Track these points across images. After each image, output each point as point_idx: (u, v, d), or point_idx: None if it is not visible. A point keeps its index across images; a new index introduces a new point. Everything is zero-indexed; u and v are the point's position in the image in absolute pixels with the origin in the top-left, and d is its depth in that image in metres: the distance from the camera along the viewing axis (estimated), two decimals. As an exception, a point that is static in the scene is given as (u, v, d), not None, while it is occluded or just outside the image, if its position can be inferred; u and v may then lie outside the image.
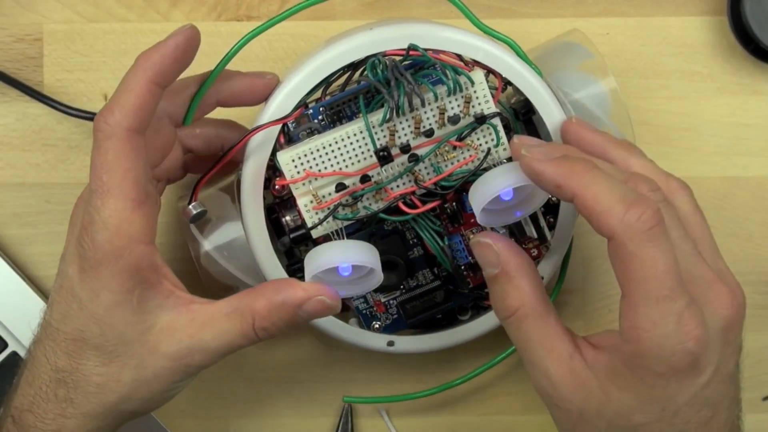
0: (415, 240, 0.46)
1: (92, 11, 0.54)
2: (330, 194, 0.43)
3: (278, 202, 0.45)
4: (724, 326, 0.39)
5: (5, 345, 0.51)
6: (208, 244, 0.46)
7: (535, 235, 0.46)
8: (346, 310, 0.47)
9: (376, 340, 0.47)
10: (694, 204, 0.41)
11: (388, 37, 0.43)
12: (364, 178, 0.42)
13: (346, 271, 0.42)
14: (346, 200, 0.42)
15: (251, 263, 0.45)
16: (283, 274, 0.45)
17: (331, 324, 0.46)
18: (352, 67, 0.43)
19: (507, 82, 0.45)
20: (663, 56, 0.54)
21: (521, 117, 0.46)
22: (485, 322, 0.48)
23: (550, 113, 0.44)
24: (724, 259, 0.41)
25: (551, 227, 0.46)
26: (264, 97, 0.45)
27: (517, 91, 0.45)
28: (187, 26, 0.42)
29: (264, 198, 0.44)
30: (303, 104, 0.43)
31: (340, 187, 0.42)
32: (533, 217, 0.46)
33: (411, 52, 0.42)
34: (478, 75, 0.42)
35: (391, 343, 0.47)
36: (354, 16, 0.52)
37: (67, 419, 0.40)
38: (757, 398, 0.53)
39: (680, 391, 0.37)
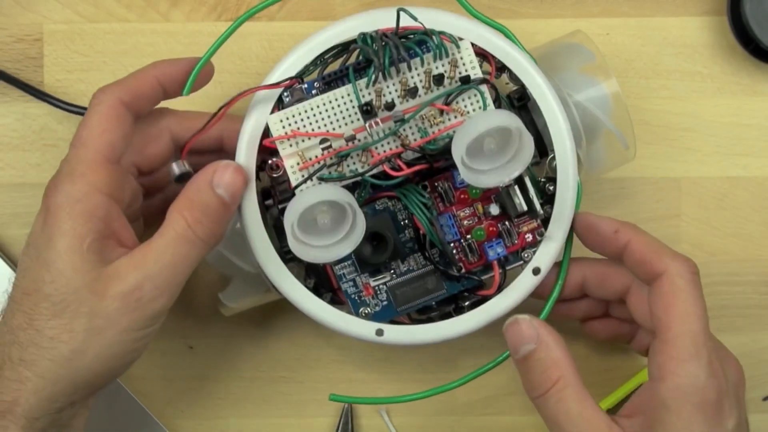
0: (406, 221, 0.46)
1: (92, 11, 0.54)
2: (317, 156, 0.43)
3: (273, 185, 0.45)
4: (735, 384, 0.42)
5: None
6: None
7: (524, 206, 0.45)
8: (339, 303, 0.46)
9: (364, 328, 0.45)
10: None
11: (382, 17, 0.44)
12: (350, 139, 0.43)
13: (325, 216, 0.41)
14: (332, 160, 0.43)
15: (245, 248, 0.45)
16: (273, 253, 0.45)
17: (318, 309, 0.45)
18: (347, 49, 0.45)
19: (500, 68, 0.45)
20: (663, 56, 0.54)
21: (516, 103, 0.46)
22: (482, 315, 0.46)
23: (545, 97, 0.45)
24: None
25: (544, 204, 0.46)
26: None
27: (512, 77, 0.45)
28: (209, 63, 0.45)
29: (260, 179, 0.45)
30: (297, 77, 0.44)
31: (326, 146, 0.43)
32: (523, 190, 0.45)
33: (402, 28, 0.43)
34: (464, 42, 0.44)
35: (380, 332, 0.45)
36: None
37: (23, 384, 0.40)
38: (757, 398, 0.53)
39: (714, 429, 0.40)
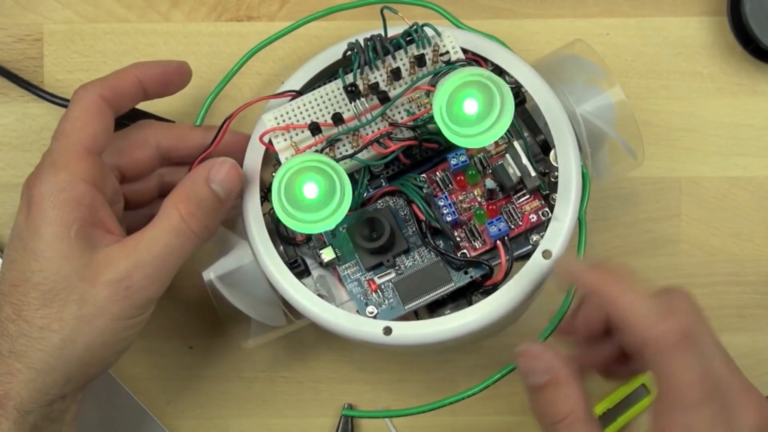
0: (407, 215, 0.46)
1: (92, 11, 0.54)
2: (308, 144, 0.44)
3: None
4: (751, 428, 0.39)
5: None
6: (212, 273, 0.46)
7: (518, 173, 0.44)
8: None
9: (371, 327, 0.43)
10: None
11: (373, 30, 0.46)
12: (336, 117, 0.43)
13: (312, 188, 0.41)
14: (323, 146, 0.43)
15: (256, 293, 0.46)
16: (278, 259, 0.44)
17: (322, 311, 0.44)
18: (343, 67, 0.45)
19: (495, 71, 0.45)
20: (663, 56, 0.54)
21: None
22: (493, 305, 0.43)
23: (538, 89, 0.45)
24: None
25: (549, 192, 0.45)
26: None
27: (508, 77, 0.46)
28: (185, 63, 0.47)
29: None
30: (296, 91, 0.46)
31: (316, 131, 0.43)
32: (516, 160, 0.44)
33: (392, 36, 0.44)
34: (445, 30, 0.44)
35: (388, 331, 0.43)
36: (354, 17, 0.52)
37: (14, 377, 0.40)
38: (757, 398, 0.53)
39: None
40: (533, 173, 0.44)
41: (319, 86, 0.45)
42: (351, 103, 0.44)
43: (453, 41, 0.45)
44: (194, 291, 0.53)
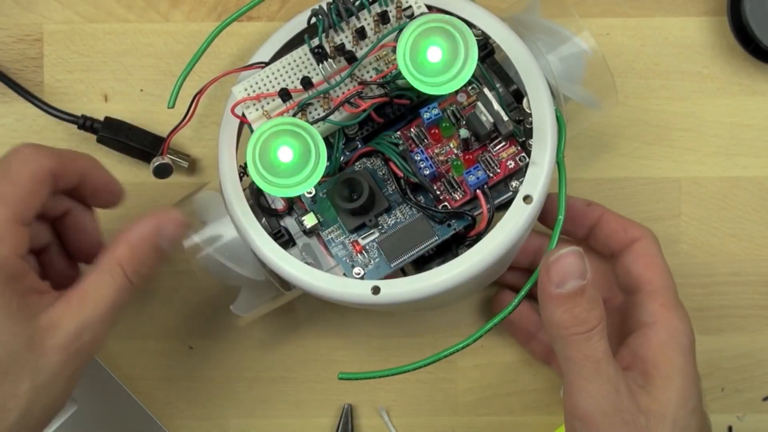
0: (385, 174, 0.45)
1: (92, 11, 0.54)
2: (280, 111, 0.44)
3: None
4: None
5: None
6: (206, 246, 0.46)
7: (491, 120, 0.44)
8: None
9: (359, 288, 0.43)
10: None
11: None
12: (305, 81, 0.43)
13: (287, 152, 0.41)
14: (295, 111, 0.43)
15: (242, 255, 0.45)
16: (261, 230, 0.44)
17: (310, 278, 0.44)
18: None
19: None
20: (663, 56, 0.54)
21: (480, 53, 0.44)
22: (480, 254, 0.42)
23: (510, 43, 0.45)
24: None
25: (526, 138, 0.45)
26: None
27: (476, 30, 0.45)
28: (122, 190, 0.46)
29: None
30: (263, 63, 0.46)
31: (286, 97, 0.44)
32: (487, 106, 0.44)
33: None
34: None
35: (376, 290, 0.43)
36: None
37: None
38: (758, 398, 0.53)
39: None
40: (506, 118, 0.44)
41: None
42: (319, 65, 0.44)
43: None
44: (194, 291, 0.53)
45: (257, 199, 0.46)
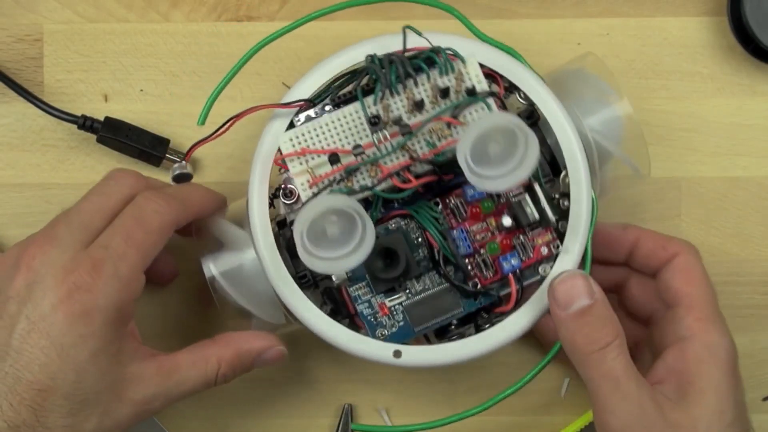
0: (419, 239, 0.46)
1: (92, 11, 0.54)
2: (326, 172, 0.44)
3: (288, 214, 0.45)
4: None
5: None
6: (215, 270, 0.46)
7: (536, 215, 0.45)
8: (352, 321, 0.46)
9: (382, 349, 0.45)
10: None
11: (391, 41, 0.45)
12: (357, 149, 0.43)
13: (334, 226, 0.41)
14: (341, 175, 0.43)
15: (259, 290, 0.45)
16: (289, 278, 0.45)
17: (333, 332, 0.45)
18: (357, 75, 0.45)
19: (508, 88, 0.45)
20: (663, 56, 0.54)
21: (525, 122, 0.45)
22: (501, 333, 0.45)
23: (553, 112, 0.45)
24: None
25: (559, 219, 0.46)
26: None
27: (522, 97, 0.45)
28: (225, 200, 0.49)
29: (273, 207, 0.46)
30: (308, 101, 0.45)
31: (335, 160, 0.43)
32: (534, 200, 0.45)
33: (410, 49, 0.44)
34: (470, 58, 0.44)
35: (397, 354, 0.44)
36: (355, 17, 0.52)
37: None
38: (757, 398, 0.53)
39: None
40: (551, 216, 0.45)
41: (332, 100, 0.45)
42: (373, 134, 0.43)
43: (476, 68, 0.44)
44: (194, 291, 0.53)
45: (287, 243, 0.45)
